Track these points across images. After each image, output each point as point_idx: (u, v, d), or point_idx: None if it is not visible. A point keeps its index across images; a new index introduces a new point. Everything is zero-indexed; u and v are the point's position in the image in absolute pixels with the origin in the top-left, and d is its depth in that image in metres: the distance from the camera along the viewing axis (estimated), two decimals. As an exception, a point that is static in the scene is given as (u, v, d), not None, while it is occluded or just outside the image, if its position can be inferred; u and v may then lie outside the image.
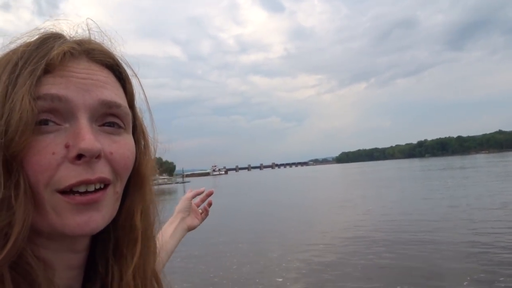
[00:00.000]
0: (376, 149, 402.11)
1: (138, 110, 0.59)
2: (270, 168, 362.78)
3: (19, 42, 0.49)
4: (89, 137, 0.45)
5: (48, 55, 0.46)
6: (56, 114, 0.46)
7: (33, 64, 0.45)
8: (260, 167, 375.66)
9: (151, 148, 0.61)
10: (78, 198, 0.46)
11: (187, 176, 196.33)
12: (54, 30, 0.51)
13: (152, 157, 0.60)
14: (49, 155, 0.44)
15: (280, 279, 7.95)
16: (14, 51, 0.48)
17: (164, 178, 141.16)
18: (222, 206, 26.55)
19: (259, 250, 10.83)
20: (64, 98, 0.46)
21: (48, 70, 0.46)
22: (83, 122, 0.47)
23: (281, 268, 8.79)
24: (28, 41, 0.49)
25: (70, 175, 0.45)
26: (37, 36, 0.49)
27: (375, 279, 7.42)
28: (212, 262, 9.96)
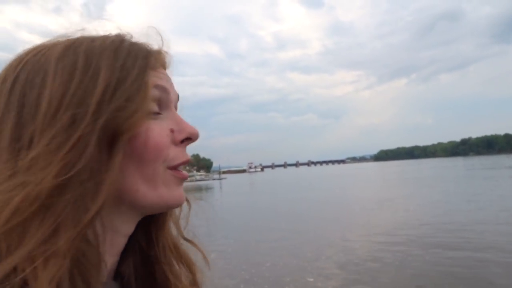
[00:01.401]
0: (416, 147, 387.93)
1: None
2: (306, 166, 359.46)
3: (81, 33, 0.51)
4: (192, 126, 0.54)
5: (150, 50, 0.53)
6: (158, 103, 0.52)
7: (143, 56, 0.50)
8: (296, 164, 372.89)
9: None
10: (182, 173, 0.53)
11: (224, 172, 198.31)
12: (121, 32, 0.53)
13: None
14: (165, 136, 0.51)
15: (311, 279, 7.73)
16: (118, 38, 0.51)
17: (201, 174, 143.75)
18: (258, 203, 26.49)
19: (294, 249, 10.63)
20: (167, 91, 0.53)
21: (151, 64, 0.51)
22: (176, 112, 0.55)
23: (314, 267, 8.57)
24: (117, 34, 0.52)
25: (179, 155, 0.52)
26: (121, 33, 0.53)
27: (409, 283, 7.06)
28: (245, 259, 9.88)
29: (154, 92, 0.51)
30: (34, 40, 0.47)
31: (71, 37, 0.50)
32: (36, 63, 0.46)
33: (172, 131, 0.52)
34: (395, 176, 51.08)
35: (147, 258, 0.60)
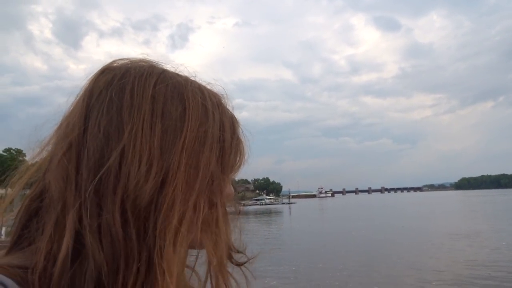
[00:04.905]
0: (504, 176, 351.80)
1: None
2: (379, 193, 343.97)
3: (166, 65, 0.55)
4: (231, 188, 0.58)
5: (232, 115, 0.58)
6: None
7: (235, 117, 0.58)
8: (369, 191, 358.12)
9: None
10: None
11: (293, 197, 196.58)
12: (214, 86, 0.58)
13: None
14: None
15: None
16: (221, 96, 0.57)
17: (271, 198, 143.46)
18: (328, 230, 25.52)
19: (360, 283, 9.87)
20: None
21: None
22: None
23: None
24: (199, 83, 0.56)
25: None
26: (210, 86, 0.57)
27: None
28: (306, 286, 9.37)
29: None
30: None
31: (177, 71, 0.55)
32: (173, 87, 0.51)
33: None
34: (482, 207, 46.48)
35: None
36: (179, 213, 0.46)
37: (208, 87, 0.56)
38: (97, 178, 0.44)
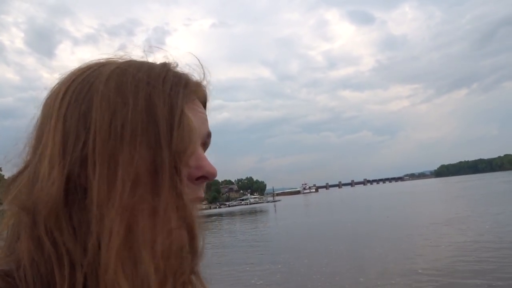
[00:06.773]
0: (481, 160, 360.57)
1: None
2: (362, 185, 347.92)
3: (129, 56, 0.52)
4: (212, 165, 0.51)
5: (189, 83, 0.51)
6: None
7: (184, 88, 0.49)
8: (351, 183, 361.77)
9: None
10: None
11: (278, 194, 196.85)
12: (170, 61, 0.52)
13: None
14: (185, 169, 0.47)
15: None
16: (163, 67, 0.50)
17: (255, 197, 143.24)
18: (311, 227, 25.52)
19: (346, 276, 9.80)
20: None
21: (190, 97, 0.50)
22: (201, 149, 0.52)
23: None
24: (159, 63, 0.51)
25: (191, 191, 0.49)
26: (167, 62, 0.51)
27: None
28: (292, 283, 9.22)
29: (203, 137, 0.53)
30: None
31: (122, 59, 0.51)
32: (85, 80, 0.46)
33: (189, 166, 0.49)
34: (462, 193, 47.38)
35: None
36: (106, 221, 0.41)
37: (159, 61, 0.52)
38: (12, 195, 0.44)
